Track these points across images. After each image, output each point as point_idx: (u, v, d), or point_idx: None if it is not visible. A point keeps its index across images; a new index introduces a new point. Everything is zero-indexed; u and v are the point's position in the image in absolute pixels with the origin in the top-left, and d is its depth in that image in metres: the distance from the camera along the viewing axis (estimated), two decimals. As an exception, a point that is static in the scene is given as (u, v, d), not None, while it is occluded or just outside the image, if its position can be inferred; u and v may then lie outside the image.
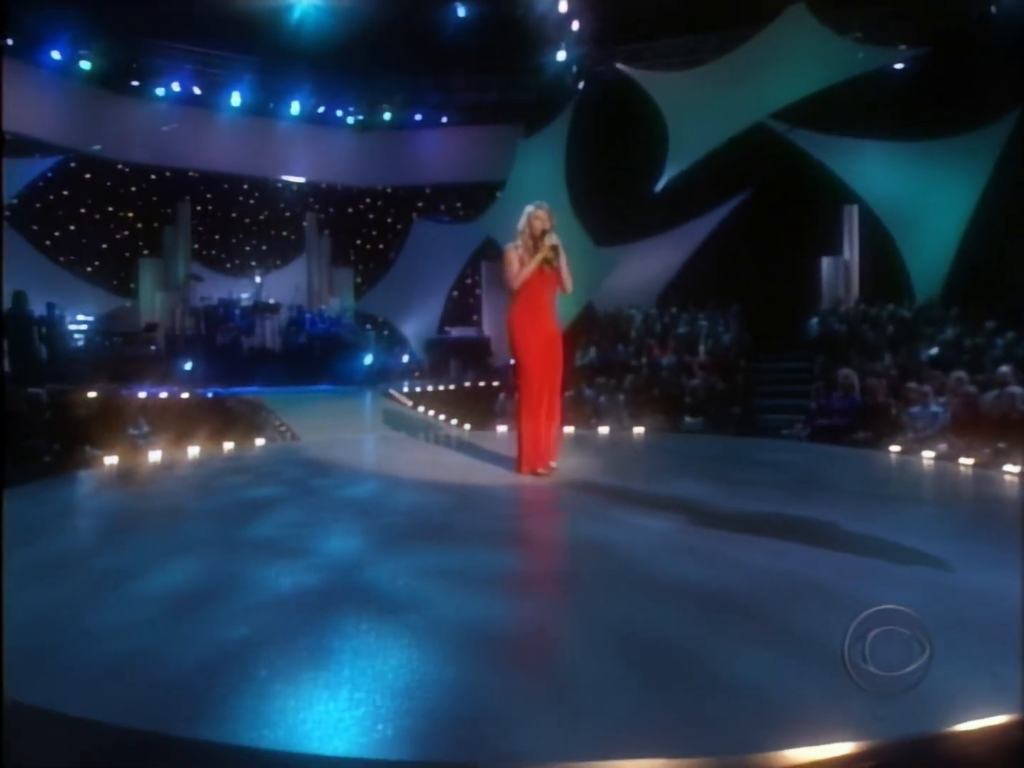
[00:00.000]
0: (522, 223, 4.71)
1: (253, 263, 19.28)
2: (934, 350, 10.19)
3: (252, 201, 19.38)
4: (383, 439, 6.81)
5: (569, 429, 7.82)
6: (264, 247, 19.57)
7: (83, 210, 16.87)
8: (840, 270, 14.46)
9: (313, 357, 14.41)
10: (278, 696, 1.60)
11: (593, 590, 2.38)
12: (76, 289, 15.58)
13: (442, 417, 8.80)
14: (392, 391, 11.13)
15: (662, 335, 12.66)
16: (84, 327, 13.78)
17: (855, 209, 14.26)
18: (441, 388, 12.25)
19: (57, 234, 16.39)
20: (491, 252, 17.30)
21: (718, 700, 1.63)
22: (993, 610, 2.11)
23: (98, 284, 16.58)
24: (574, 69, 14.88)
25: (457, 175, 18.33)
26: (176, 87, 15.25)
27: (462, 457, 5.43)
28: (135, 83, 15.04)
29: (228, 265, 19.00)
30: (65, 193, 16.54)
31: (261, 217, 19.58)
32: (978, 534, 3.22)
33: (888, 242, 13.88)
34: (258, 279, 15.55)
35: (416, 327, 18.62)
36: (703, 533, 3.05)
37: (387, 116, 17.22)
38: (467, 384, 13.05)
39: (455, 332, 17.79)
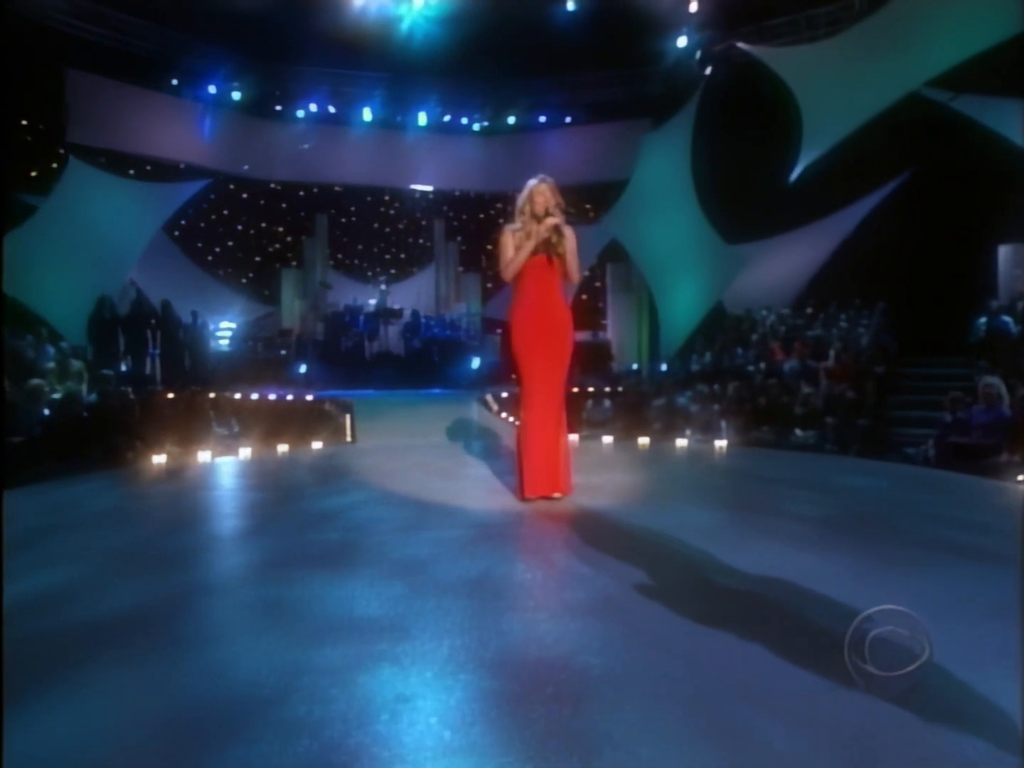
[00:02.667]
0: (522, 200, 4.13)
1: (393, 270, 20.22)
2: None
3: (392, 211, 20.28)
4: (433, 445, 6.58)
5: (644, 440, 7.19)
6: (402, 254, 20.43)
7: (240, 227, 18.55)
8: (1022, 259, 12.21)
9: (428, 361, 14.65)
10: None
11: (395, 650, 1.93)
12: (231, 299, 17.13)
13: (519, 423, 8.46)
14: (488, 396, 10.93)
15: (786, 338, 11.38)
16: (228, 333, 15.05)
17: (1044, 186, 11.95)
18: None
19: (218, 250, 18.15)
20: (618, 253, 16.73)
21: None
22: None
23: (251, 294, 18.14)
24: (698, 55, 13.88)
25: (586, 175, 17.85)
26: (313, 107, 16.27)
27: (486, 470, 5.06)
28: (278, 107, 16.26)
29: (369, 273, 20.03)
30: (225, 212, 18.28)
31: (400, 226, 20.47)
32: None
33: (1090, 224, 11.49)
34: (383, 286, 16.12)
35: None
36: (630, 592, 2.44)
37: (511, 120, 17.21)
38: (575, 389, 12.56)
39: (577, 336, 17.35)
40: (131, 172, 15.63)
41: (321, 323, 15.51)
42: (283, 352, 14.40)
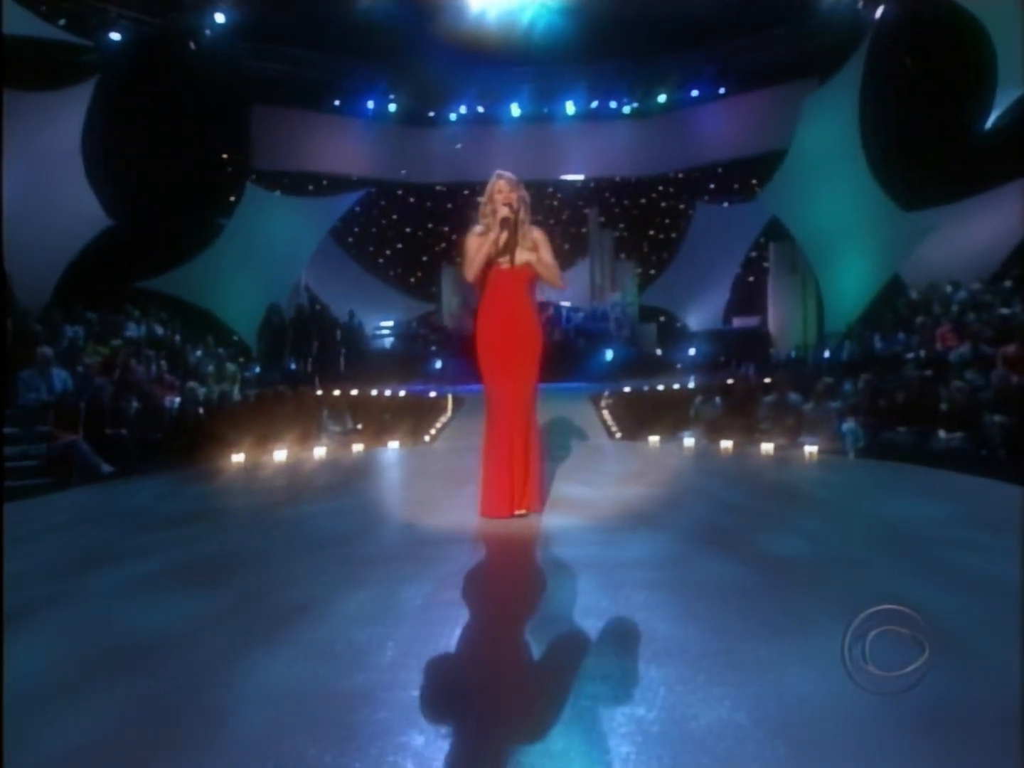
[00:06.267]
0: (484, 200, 3.89)
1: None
2: None
3: (555, 203, 20.28)
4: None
5: (727, 444, 6.53)
6: (567, 246, 20.32)
7: (408, 229, 19.80)
8: None
9: (569, 355, 14.52)
10: None
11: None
12: (395, 299, 18.41)
13: (610, 424, 8.11)
14: (606, 392, 10.59)
15: (961, 319, 9.60)
16: (386, 331, 16.18)
17: None
18: (670, 388, 11.16)
19: (388, 252, 19.56)
20: (782, 231, 15.26)
21: None
22: None
23: (417, 293, 19.35)
24: (862, -4, 12.10)
25: (744, 148, 16.51)
26: (463, 110, 16.84)
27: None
28: (431, 114, 17.07)
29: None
30: (394, 217, 19.63)
31: (563, 216, 20.39)
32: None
33: None
34: (528, 279, 16.26)
35: (701, 318, 17.48)
36: (406, 634, 2.27)
37: (662, 98, 16.39)
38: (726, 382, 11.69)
39: (737, 322, 16.18)
40: (310, 188, 17.43)
41: (470, 319, 16.04)
42: (433, 348, 15.17)
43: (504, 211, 3.77)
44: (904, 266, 12.71)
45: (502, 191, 3.84)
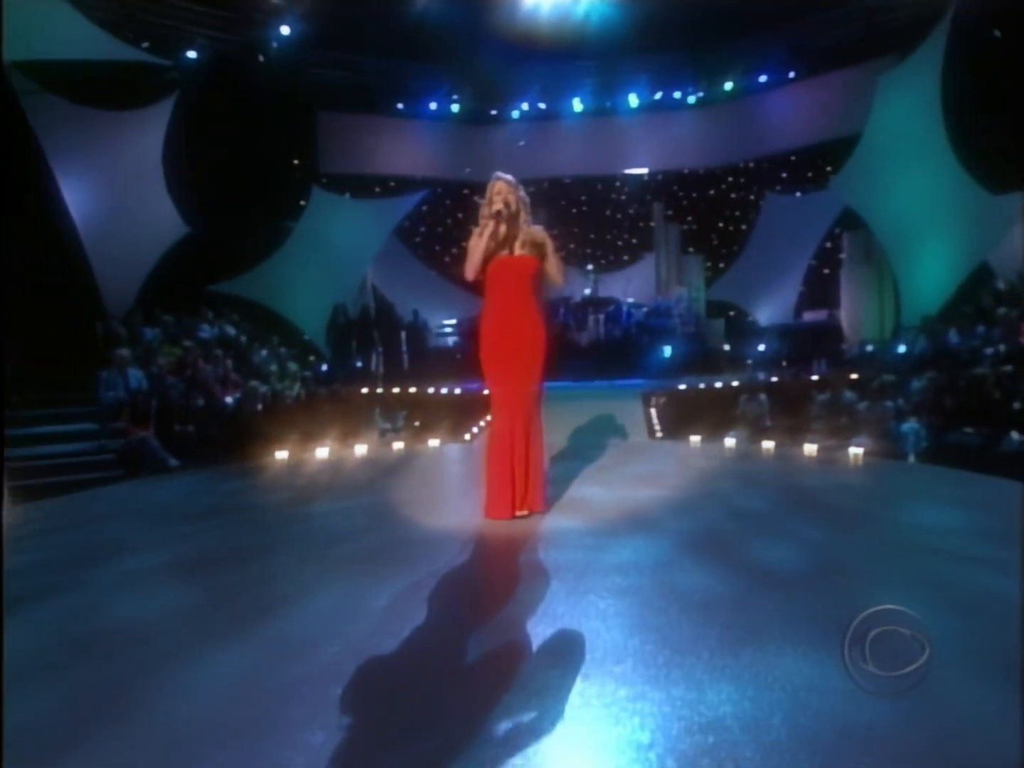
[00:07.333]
0: (485, 200, 3.92)
1: (621, 256, 20.08)
2: None
3: (622, 197, 19.98)
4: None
5: (768, 445, 6.28)
6: (619, 241, 20.05)
7: (474, 227, 19.95)
8: None
9: (630, 351, 14.29)
10: None
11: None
12: (461, 297, 18.58)
13: (654, 422, 7.94)
14: (658, 390, 10.37)
15: (1047, 312, 8.85)
16: (449, 329, 16.40)
17: None
18: (727, 385, 10.81)
19: (454, 251, 19.78)
20: (857, 220, 14.48)
21: None
22: None
23: (482, 291, 19.46)
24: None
25: (816, 134, 15.73)
26: (525, 107, 16.83)
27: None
28: (493, 112, 17.14)
29: (603, 262, 20.06)
30: (460, 216, 19.83)
31: (630, 211, 20.02)
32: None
33: None
34: (591, 275, 16.13)
35: (771, 312, 16.85)
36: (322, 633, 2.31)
37: (728, 86, 15.82)
38: (772, 379, 11.24)
39: (808, 316, 15.50)
40: (377, 189, 17.86)
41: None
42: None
43: (498, 205, 3.79)
44: (992, 254, 11.81)
45: (501, 192, 3.87)
